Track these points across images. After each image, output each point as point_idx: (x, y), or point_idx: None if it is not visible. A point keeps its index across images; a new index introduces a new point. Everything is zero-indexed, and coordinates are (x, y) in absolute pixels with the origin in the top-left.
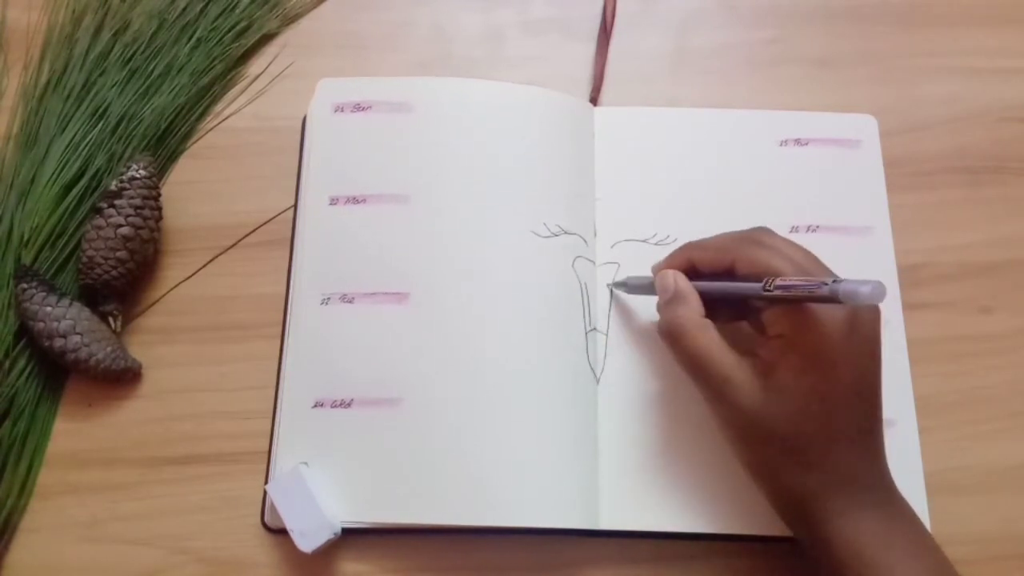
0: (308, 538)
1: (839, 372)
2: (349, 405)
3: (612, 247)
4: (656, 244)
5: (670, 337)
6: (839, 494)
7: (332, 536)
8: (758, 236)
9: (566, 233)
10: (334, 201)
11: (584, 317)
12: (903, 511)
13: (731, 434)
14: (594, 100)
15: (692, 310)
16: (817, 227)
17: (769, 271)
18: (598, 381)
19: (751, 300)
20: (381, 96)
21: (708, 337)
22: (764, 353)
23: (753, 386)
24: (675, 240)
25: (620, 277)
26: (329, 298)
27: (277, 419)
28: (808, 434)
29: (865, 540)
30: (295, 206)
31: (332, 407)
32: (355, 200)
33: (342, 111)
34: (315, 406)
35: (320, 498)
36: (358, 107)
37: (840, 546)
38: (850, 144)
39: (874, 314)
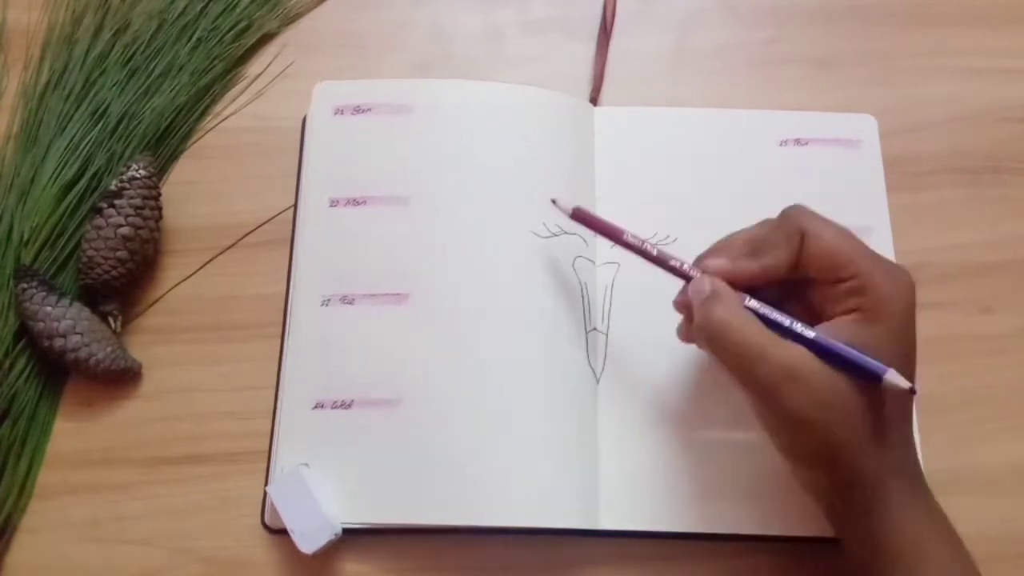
0: (309, 539)
1: (911, 348)
2: (349, 406)
3: (612, 247)
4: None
5: (711, 338)
6: (902, 477)
7: (333, 537)
8: (801, 226)
9: (566, 233)
10: (334, 203)
11: (584, 317)
12: (936, 502)
13: (792, 424)
14: (594, 100)
15: (729, 305)
16: None
17: (843, 259)
18: (598, 381)
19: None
20: (381, 98)
21: (754, 330)
22: (828, 332)
23: (826, 368)
24: (675, 240)
25: (620, 277)
26: (329, 299)
27: (277, 420)
28: (889, 411)
29: (922, 528)
30: (295, 206)
31: (332, 408)
32: (355, 202)
33: (342, 113)
34: (315, 407)
35: (321, 499)
36: (358, 109)
37: (899, 533)
38: (850, 144)
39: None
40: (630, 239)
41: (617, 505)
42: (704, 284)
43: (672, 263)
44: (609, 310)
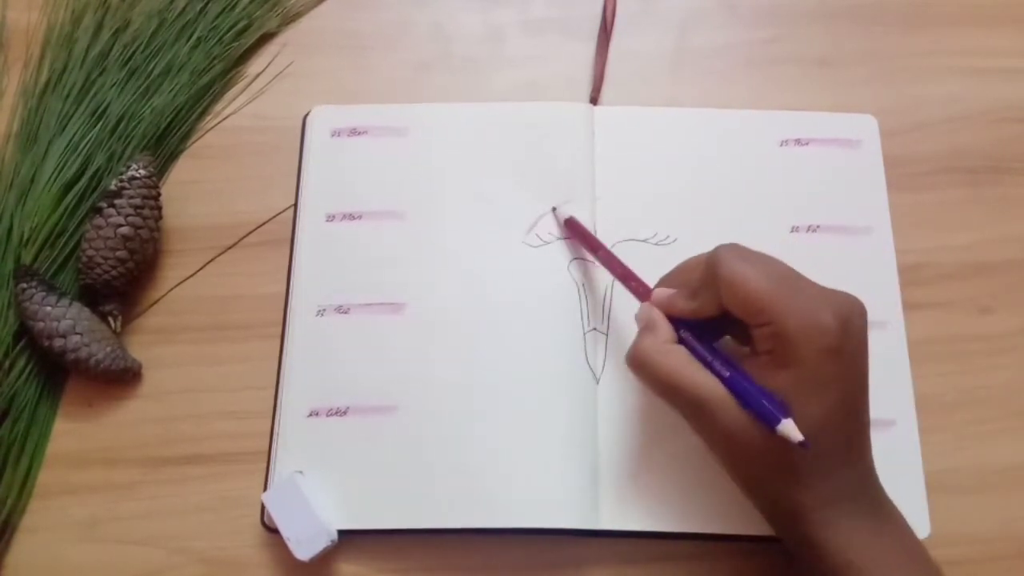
0: (304, 546)
1: (830, 391)
2: (344, 413)
3: (612, 247)
4: (656, 244)
5: (634, 366)
6: (829, 506)
7: (329, 544)
8: (721, 273)
9: (559, 239)
10: (331, 218)
11: (582, 317)
12: (892, 517)
13: (716, 451)
14: (594, 100)
15: (657, 337)
16: (817, 227)
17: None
18: (598, 381)
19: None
20: (376, 122)
21: (673, 362)
22: (752, 370)
23: (734, 406)
24: (675, 240)
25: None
26: (324, 309)
27: (275, 426)
28: (798, 452)
29: (856, 549)
30: (295, 206)
31: (328, 416)
32: (351, 217)
33: (339, 135)
34: (310, 415)
35: (316, 506)
36: (354, 131)
37: (832, 555)
38: (850, 144)
39: (862, 328)
40: (603, 254)
41: (617, 505)
42: (643, 314)
43: (631, 284)
44: (609, 310)
